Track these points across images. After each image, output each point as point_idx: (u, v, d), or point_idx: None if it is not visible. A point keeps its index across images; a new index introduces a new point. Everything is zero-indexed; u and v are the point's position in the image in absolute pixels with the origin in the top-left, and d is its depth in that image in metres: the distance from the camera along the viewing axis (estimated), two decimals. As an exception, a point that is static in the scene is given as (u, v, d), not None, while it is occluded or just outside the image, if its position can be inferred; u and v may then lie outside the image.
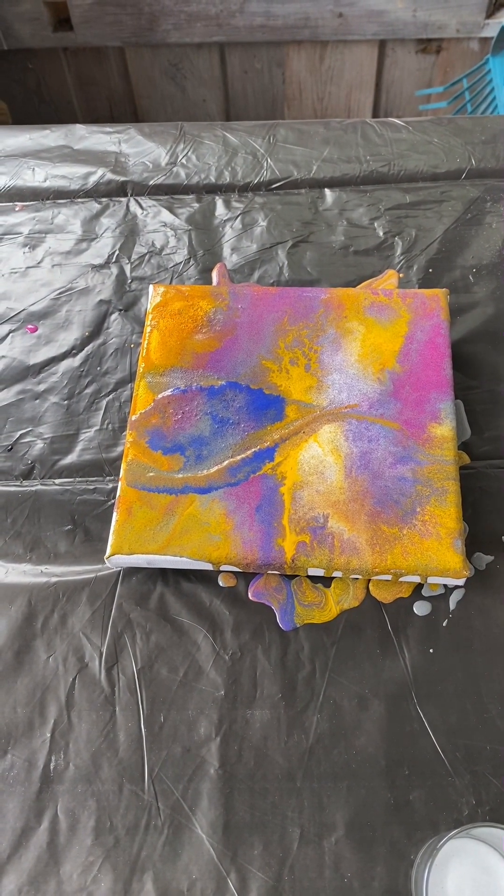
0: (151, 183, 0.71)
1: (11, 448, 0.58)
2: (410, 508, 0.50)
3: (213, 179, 0.71)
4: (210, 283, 0.65)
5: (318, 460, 0.53)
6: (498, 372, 0.59)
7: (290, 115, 1.50)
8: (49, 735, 0.49)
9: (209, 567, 0.51)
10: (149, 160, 0.72)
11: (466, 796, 0.46)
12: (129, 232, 0.68)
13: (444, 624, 0.50)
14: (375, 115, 1.51)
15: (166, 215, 0.69)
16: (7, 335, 0.64)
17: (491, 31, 1.29)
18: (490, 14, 1.29)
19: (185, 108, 1.49)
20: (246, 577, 0.52)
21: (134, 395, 0.56)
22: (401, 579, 0.50)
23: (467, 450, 0.56)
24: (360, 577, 0.51)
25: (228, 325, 0.58)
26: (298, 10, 1.30)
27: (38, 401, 0.60)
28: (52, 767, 0.48)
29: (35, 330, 0.64)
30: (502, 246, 0.65)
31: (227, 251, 0.67)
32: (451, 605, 0.51)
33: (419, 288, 0.63)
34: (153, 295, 0.60)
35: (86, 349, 0.62)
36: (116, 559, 0.50)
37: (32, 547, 0.54)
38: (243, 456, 0.53)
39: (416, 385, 0.55)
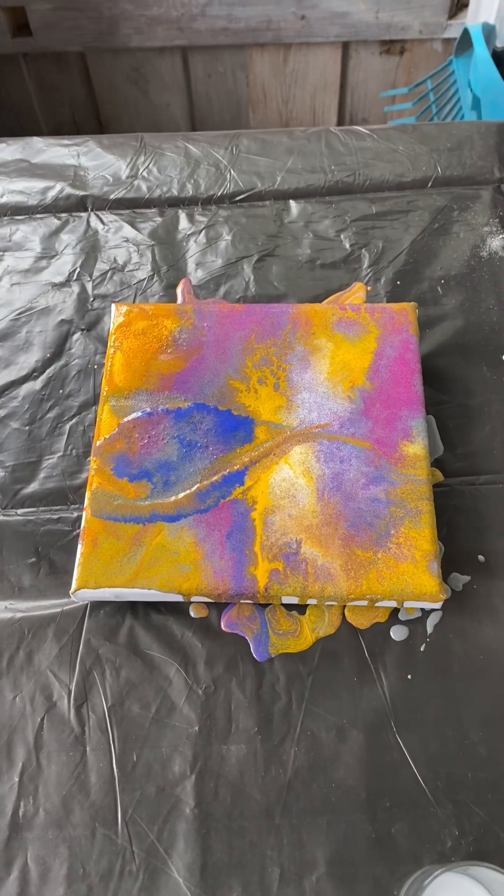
0: (112, 197, 0.69)
1: (-28, 477, 0.56)
2: (385, 531, 0.49)
3: (175, 192, 0.69)
4: (175, 300, 0.64)
5: (289, 483, 0.51)
6: (469, 385, 0.58)
7: (256, 119, 1.49)
8: (17, 779, 0.47)
9: (180, 599, 0.49)
10: (109, 173, 0.70)
11: (449, 827, 0.45)
12: (91, 248, 0.66)
13: (421, 648, 0.49)
14: (341, 116, 1.50)
15: (128, 230, 0.67)
16: (-35, 358, 0.62)
17: (453, 31, 1.29)
18: (452, 15, 1.29)
19: (149, 114, 1.47)
20: (218, 606, 0.51)
21: (98, 419, 0.54)
22: (377, 604, 0.49)
23: (440, 467, 0.55)
24: (335, 603, 0.49)
25: (194, 345, 0.57)
26: (260, 13, 1.28)
27: (-1, 427, 0.58)
28: (21, 814, 0.46)
29: (-6, 352, 0.62)
30: (470, 256, 0.64)
31: (191, 266, 0.65)
32: (429, 629, 0.50)
33: (387, 301, 0.62)
34: (116, 315, 0.58)
35: (47, 371, 0.60)
36: (82, 594, 0.49)
37: (-4, 581, 0.52)
38: (212, 480, 0.52)
39: (387, 402, 0.54)
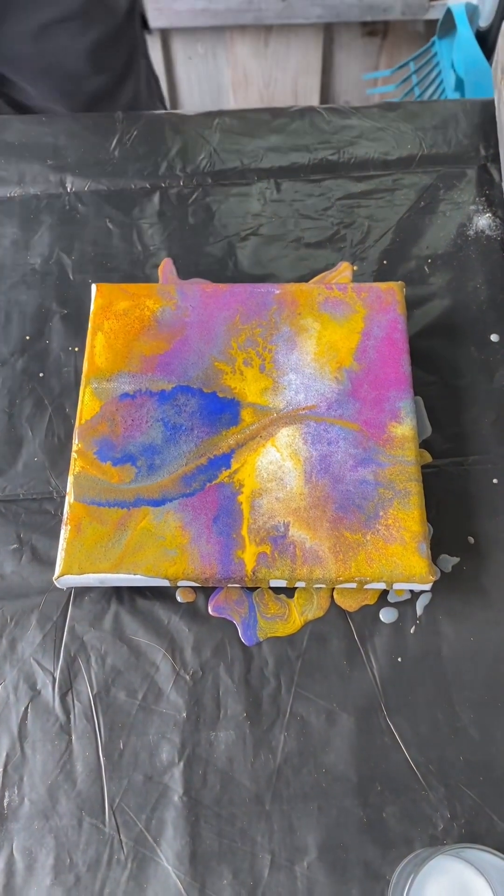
0: (92, 176, 0.67)
1: (-49, 463, 0.55)
2: (373, 513, 0.49)
3: (157, 171, 0.67)
4: (157, 280, 0.62)
5: (276, 466, 0.50)
6: (457, 366, 0.57)
7: (237, 101, 1.47)
8: (1, 769, 0.46)
9: (166, 583, 0.48)
10: (88, 152, 0.69)
11: (441, 810, 0.44)
12: (70, 228, 0.65)
13: (411, 631, 0.49)
14: (323, 99, 1.48)
15: (109, 210, 0.66)
16: None
17: (436, 13, 1.27)
18: (435, -4, 1.28)
19: (128, 96, 1.44)
20: (205, 591, 0.50)
21: (79, 402, 0.53)
22: (366, 586, 0.48)
23: (428, 448, 0.54)
24: (323, 586, 0.49)
25: (177, 326, 0.56)
26: (241, -6, 1.26)
27: (-22, 411, 0.57)
28: (5, 804, 0.45)
29: (-27, 335, 0.60)
30: (457, 235, 0.63)
31: (173, 246, 0.64)
32: (419, 611, 0.49)
33: (374, 280, 0.61)
34: (96, 295, 0.57)
35: (27, 354, 0.59)
36: (66, 580, 0.48)
37: (-23, 568, 0.51)
38: (198, 463, 0.51)
39: (375, 383, 0.53)
